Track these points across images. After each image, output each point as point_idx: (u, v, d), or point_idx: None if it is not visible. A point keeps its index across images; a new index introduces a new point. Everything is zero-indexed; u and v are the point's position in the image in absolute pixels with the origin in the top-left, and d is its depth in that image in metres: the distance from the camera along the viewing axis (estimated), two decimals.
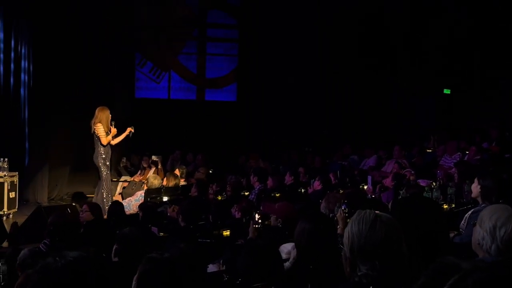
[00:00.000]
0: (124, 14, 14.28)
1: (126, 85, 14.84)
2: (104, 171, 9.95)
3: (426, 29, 14.20)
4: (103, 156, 9.90)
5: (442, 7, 13.96)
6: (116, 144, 11.60)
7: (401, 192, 6.71)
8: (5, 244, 7.84)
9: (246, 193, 8.89)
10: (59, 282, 1.76)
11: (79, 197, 12.49)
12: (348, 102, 14.95)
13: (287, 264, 3.84)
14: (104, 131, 9.80)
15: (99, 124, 9.80)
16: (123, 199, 11.06)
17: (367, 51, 14.56)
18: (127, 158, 13.75)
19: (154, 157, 12.97)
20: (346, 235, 2.32)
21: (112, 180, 12.52)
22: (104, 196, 9.92)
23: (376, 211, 2.32)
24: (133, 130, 10.22)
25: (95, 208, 7.34)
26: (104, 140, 9.81)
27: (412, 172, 8.99)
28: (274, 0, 14.96)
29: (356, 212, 2.38)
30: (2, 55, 12.18)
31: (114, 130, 10.00)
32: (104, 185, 9.99)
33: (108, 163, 10.00)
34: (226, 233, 6.04)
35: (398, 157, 11.02)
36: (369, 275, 2.20)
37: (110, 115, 9.97)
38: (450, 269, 1.42)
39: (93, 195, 10.53)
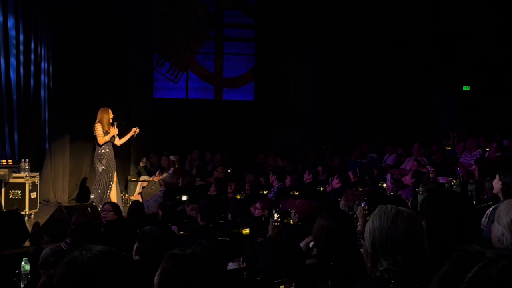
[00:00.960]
0: (142, 15, 14.38)
1: (145, 85, 14.92)
2: (99, 170, 10.11)
3: (444, 25, 14.11)
4: (100, 156, 10.10)
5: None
6: (134, 144, 11.67)
7: (420, 189, 6.67)
8: (27, 243, 7.93)
9: (265, 192, 8.91)
10: (86, 274, 1.80)
11: None
12: (366, 100, 14.89)
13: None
14: (102, 131, 9.99)
15: (98, 124, 10.04)
16: (142, 199, 11.13)
17: (385, 48, 14.50)
18: (147, 158, 13.83)
19: (171, 157, 13.04)
20: (367, 230, 2.31)
21: (131, 180, 12.64)
22: (92, 197, 10.04)
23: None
24: (137, 131, 10.32)
25: (118, 207, 7.45)
26: (100, 140, 10.02)
27: (432, 169, 8.94)
28: None
29: (376, 208, 2.37)
30: (22, 57, 12.33)
31: (115, 131, 10.12)
32: (95, 185, 10.12)
33: (105, 162, 10.11)
34: (246, 231, 6.06)
35: (417, 154, 10.97)
36: (390, 270, 2.20)
37: (112, 115, 10.15)
38: (474, 257, 1.41)
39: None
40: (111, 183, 10.19)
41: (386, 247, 2.22)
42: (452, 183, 7.17)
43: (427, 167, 9.36)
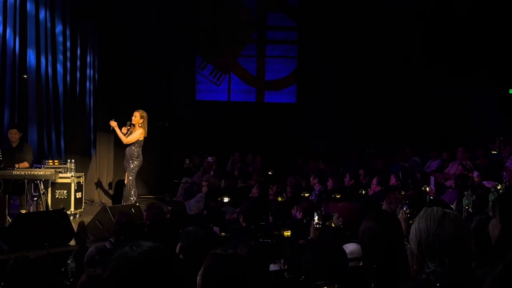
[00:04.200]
0: (185, 18, 14.53)
1: (187, 87, 15.06)
2: None
3: (488, 28, 13.84)
4: None
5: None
6: (177, 146, 11.63)
7: (465, 193, 6.56)
8: (72, 242, 8.09)
9: (306, 195, 8.89)
10: (136, 269, 1.84)
11: None
12: (410, 103, 14.72)
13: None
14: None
15: None
16: (184, 200, 11.21)
17: (430, 51, 14.31)
18: (190, 159, 13.94)
19: (209, 158, 13.11)
20: (412, 232, 2.29)
21: (173, 181, 12.76)
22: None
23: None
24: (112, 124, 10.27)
25: (151, 208, 7.51)
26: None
27: (477, 173, 8.78)
28: (333, 0, 14.91)
29: (422, 210, 2.35)
30: (69, 64, 12.59)
31: (123, 130, 10.25)
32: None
33: (127, 161, 10.25)
34: (287, 233, 6.06)
35: (462, 158, 10.80)
36: (437, 272, 2.18)
37: (133, 117, 10.24)
38: None
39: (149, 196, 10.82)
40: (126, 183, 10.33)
41: (433, 249, 2.20)
42: (498, 188, 7.03)
43: (474, 171, 9.17)
